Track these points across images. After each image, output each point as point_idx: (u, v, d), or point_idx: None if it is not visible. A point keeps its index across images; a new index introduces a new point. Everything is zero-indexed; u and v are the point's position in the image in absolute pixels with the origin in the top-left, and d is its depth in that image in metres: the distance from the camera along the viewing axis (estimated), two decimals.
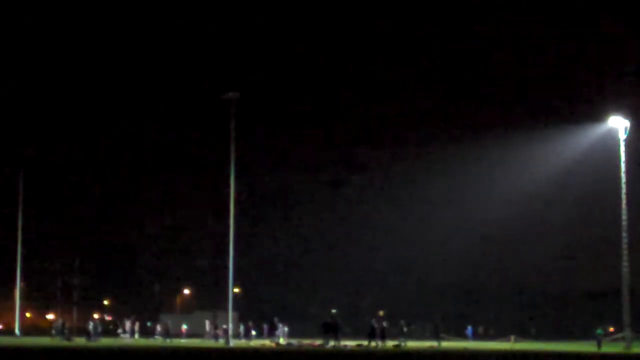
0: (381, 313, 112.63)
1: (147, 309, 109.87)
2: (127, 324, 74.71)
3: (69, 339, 68.70)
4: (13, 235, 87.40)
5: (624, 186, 54.71)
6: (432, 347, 58.14)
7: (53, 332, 72.18)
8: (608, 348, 58.01)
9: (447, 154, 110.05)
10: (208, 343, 65.56)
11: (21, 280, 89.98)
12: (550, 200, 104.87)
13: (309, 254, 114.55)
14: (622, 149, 55.01)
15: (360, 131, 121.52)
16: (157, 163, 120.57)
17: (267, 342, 62.87)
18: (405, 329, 61.79)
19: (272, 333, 64.06)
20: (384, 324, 60.24)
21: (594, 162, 75.64)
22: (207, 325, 77.50)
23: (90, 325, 70.68)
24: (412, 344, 64.88)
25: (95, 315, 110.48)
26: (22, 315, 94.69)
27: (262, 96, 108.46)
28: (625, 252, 54.58)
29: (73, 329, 79.08)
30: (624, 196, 54.62)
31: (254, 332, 71.86)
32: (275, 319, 66.05)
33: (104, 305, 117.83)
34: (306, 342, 62.53)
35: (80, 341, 66.45)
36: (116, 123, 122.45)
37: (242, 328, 73.09)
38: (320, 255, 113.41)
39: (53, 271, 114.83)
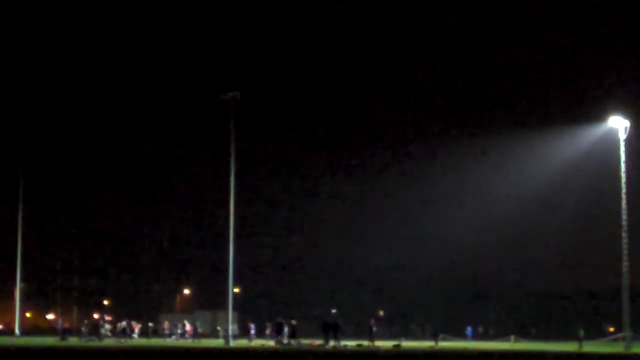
0: (381, 313, 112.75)
1: (147, 309, 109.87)
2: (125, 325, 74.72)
3: (62, 339, 69.15)
4: (13, 235, 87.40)
5: (624, 186, 54.72)
6: (431, 347, 58.21)
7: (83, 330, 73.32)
8: (608, 348, 58.06)
9: (447, 154, 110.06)
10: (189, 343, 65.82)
11: (21, 280, 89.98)
12: (550, 200, 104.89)
13: (309, 254, 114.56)
14: (622, 149, 55.03)
15: (360, 131, 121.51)
16: (157, 163, 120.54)
17: (264, 342, 62.89)
18: (374, 329, 61.83)
19: (278, 334, 62.80)
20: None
21: (594, 162, 75.65)
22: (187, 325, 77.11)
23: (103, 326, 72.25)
24: (410, 344, 64.96)
25: (95, 315, 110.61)
26: (22, 315, 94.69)
27: (262, 96, 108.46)
28: (625, 252, 54.59)
29: (85, 329, 78.52)
30: (624, 196, 54.62)
31: (253, 332, 71.84)
32: (281, 320, 65.07)
33: (104, 305, 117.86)
34: (306, 342, 62.50)
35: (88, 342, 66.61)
36: (116, 123, 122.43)
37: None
38: (320, 255, 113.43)
39: (53, 271, 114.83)
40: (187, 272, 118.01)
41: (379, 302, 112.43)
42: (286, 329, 65.41)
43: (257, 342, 64.48)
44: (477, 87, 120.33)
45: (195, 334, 73.40)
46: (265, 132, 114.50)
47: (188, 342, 67.34)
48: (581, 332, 60.58)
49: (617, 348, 55.33)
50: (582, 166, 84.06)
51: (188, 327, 75.11)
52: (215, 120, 76.53)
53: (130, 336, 70.81)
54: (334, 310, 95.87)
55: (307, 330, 75.10)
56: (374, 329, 62.08)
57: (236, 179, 62.29)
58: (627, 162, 54.79)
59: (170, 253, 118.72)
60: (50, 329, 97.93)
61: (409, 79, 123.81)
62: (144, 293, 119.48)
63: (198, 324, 76.56)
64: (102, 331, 72.88)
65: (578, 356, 43.23)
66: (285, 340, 60.82)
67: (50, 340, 67.13)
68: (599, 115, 59.76)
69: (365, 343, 59.57)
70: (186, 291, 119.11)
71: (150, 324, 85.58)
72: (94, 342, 64.98)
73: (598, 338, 74.58)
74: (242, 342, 64.88)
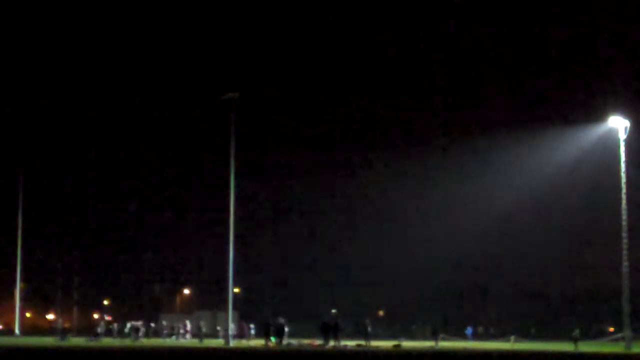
0: (381, 313, 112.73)
1: (147, 309, 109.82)
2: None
3: (63, 339, 69.11)
4: (13, 235, 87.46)
5: (624, 186, 54.77)
6: (431, 347, 58.22)
7: (99, 330, 72.89)
8: (608, 348, 58.08)
9: (447, 154, 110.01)
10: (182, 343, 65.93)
11: (21, 280, 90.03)
12: (550, 200, 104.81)
13: (309, 254, 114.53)
14: (622, 149, 55.07)
15: (360, 131, 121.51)
16: (157, 163, 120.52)
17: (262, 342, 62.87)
18: (369, 329, 61.71)
19: (266, 334, 62.30)
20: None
21: (594, 162, 75.67)
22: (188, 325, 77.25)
23: (128, 327, 72.56)
24: (410, 344, 64.98)
25: (95, 315, 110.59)
26: (22, 315, 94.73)
27: (262, 96, 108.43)
28: (625, 252, 54.62)
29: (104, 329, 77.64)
30: (624, 196, 54.68)
31: (252, 332, 71.87)
32: (280, 319, 64.57)
33: (104, 305, 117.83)
34: (306, 342, 62.52)
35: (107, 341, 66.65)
36: (116, 123, 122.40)
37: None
38: (320, 255, 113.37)
39: (53, 271, 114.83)
40: (187, 272, 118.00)
41: (379, 302, 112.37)
42: (286, 329, 65.31)
43: (255, 342, 64.45)
44: (476, 87, 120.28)
45: (200, 334, 73.42)
46: (265, 132, 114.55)
47: (188, 342, 67.36)
48: (577, 332, 60.63)
49: (617, 348, 55.35)
50: (582, 166, 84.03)
51: (189, 326, 75.19)
52: (215, 121, 76.58)
53: (137, 336, 70.72)
54: (334, 310, 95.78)
55: (307, 331, 75.12)
56: (369, 328, 62.03)
57: (236, 179, 62.32)
58: (627, 162, 54.83)
59: (170, 253, 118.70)
60: (50, 329, 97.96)
61: (408, 79, 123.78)
62: (144, 293, 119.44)
63: (202, 323, 76.55)
64: (126, 330, 73.05)
65: (578, 356, 43.23)
66: (285, 341, 60.76)
67: (50, 341, 67.10)
68: (599, 115, 59.84)
69: (362, 343, 59.55)
70: (186, 291, 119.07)
71: (152, 325, 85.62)
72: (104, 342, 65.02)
73: (598, 338, 74.62)
74: (242, 342, 64.90)
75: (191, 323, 77.08)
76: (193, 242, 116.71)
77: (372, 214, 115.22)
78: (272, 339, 60.37)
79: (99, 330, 72.74)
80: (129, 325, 74.69)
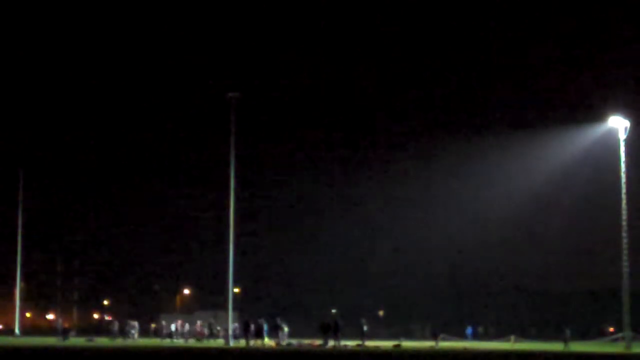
0: (381, 313, 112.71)
1: (147, 309, 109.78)
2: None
3: (64, 339, 69.06)
4: (13, 235, 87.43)
5: (624, 186, 54.79)
6: (431, 347, 58.21)
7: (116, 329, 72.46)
8: (607, 348, 58.08)
9: (446, 154, 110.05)
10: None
11: (21, 280, 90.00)
12: (550, 200, 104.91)
13: (309, 254, 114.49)
14: (622, 149, 55.09)
15: (360, 131, 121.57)
16: (158, 163, 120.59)
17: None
18: (365, 328, 61.49)
19: (246, 333, 62.27)
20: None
21: (594, 162, 75.70)
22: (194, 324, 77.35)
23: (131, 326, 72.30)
24: (410, 344, 64.98)
25: (95, 315, 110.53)
26: (22, 315, 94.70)
27: (263, 96, 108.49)
28: (625, 252, 54.63)
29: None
30: (624, 196, 54.69)
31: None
32: (278, 319, 64.49)
33: (104, 305, 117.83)
34: (306, 342, 62.50)
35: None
36: (117, 123, 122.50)
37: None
38: (320, 255, 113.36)
39: (53, 271, 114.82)
40: (187, 272, 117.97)
41: (379, 302, 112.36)
42: (286, 329, 65.33)
43: (255, 342, 64.37)
44: (477, 87, 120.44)
45: (211, 334, 73.47)
46: (266, 132, 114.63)
47: (191, 342, 67.35)
48: (568, 332, 60.63)
49: (617, 348, 55.36)
50: (582, 166, 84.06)
51: (199, 327, 75.34)
52: (215, 121, 76.63)
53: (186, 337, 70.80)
54: (334, 310, 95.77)
55: (307, 331, 75.10)
56: (365, 328, 61.91)
57: (236, 178, 62.32)
58: (627, 162, 54.86)
59: (170, 253, 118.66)
60: (50, 329, 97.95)
61: (409, 79, 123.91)
62: (144, 293, 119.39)
63: (213, 321, 76.48)
64: (132, 332, 72.63)
65: (576, 356, 43.23)
66: (285, 341, 60.73)
67: (50, 340, 67.07)
68: (599, 115, 59.86)
69: (360, 342, 59.46)
70: (186, 291, 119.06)
71: (153, 325, 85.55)
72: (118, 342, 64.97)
73: (598, 338, 74.61)
74: (242, 342, 64.92)
75: (201, 324, 77.18)
76: (193, 242, 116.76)
77: (372, 213, 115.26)
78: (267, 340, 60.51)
79: (117, 329, 72.50)
80: (172, 326, 74.47)
